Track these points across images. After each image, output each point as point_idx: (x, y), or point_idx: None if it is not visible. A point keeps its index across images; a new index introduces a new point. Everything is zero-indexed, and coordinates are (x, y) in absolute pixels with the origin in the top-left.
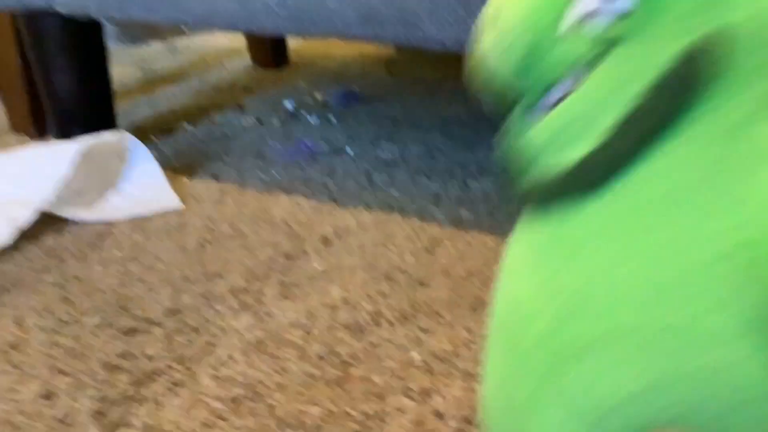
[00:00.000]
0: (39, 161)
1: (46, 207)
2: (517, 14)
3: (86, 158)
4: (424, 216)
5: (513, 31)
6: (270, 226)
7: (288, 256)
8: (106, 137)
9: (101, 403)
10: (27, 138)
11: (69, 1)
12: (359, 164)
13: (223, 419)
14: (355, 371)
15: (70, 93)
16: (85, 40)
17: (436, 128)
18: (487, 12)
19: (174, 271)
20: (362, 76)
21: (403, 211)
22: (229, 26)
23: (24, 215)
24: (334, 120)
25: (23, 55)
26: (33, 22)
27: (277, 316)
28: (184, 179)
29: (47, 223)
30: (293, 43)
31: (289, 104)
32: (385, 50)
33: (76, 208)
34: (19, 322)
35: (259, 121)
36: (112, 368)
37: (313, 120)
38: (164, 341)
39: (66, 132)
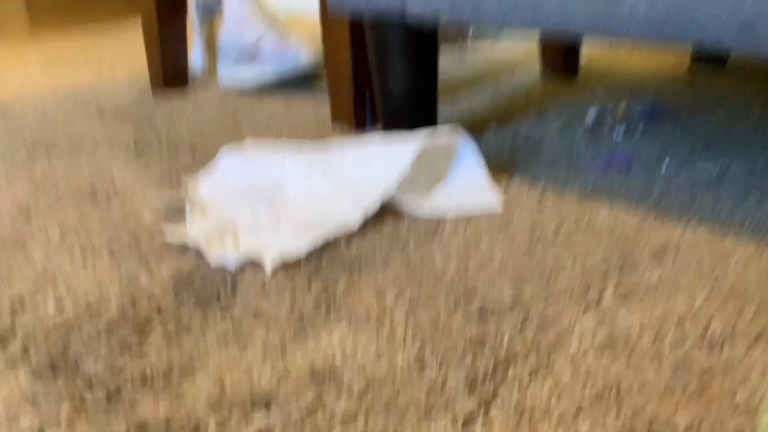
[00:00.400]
0: (384, 154)
1: (386, 195)
2: None
3: (419, 152)
4: (765, 237)
5: None
6: (596, 233)
7: (621, 265)
8: (440, 134)
9: (471, 377)
10: (347, 129)
11: (415, 6)
12: (678, 178)
13: (591, 412)
14: (716, 385)
15: (402, 91)
16: (422, 43)
17: (759, 147)
18: None
19: (510, 266)
20: (660, 88)
21: (737, 230)
22: (586, 30)
23: (370, 202)
24: (641, 132)
25: (354, 54)
26: (377, 26)
27: (623, 321)
28: (501, 180)
29: (386, 211)
30: (583, 52)
31: (591, 113)
32: (682, 63)
33: (410, 198)
34: (379, 297)
35: (563, 128)
36: (473, 347)
37: (619, 130)
38: (516, 329)
39: (394, 127)
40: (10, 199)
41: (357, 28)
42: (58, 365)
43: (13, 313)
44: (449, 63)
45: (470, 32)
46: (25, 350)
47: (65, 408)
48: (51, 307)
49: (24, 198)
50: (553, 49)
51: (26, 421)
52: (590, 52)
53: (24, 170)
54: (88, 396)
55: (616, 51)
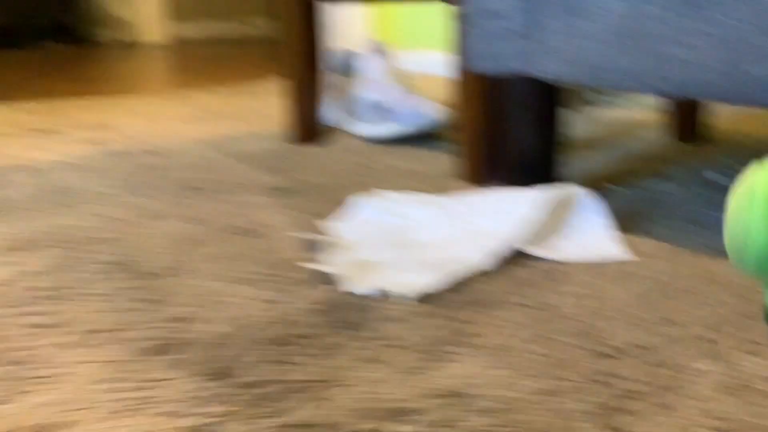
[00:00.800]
0: (511, 203)
1: (514, 242)
2: (749, 235)
3: (546, 204)
4: None
5: (745, 249)
6: (717, 285)
7: (745, 316)
8: (564, 188)
9: (593, 408)
10: (474, 185)
11: (547, 68)
12: None
13: None
14: None
15: (526, 147)
16: (545, 101)
17: None
18: (729, 210)
19: (632, 311)
20: None
21: None
22: (707, 96)
23: (497, 247)
24: None
25: (483, 113)
26: (502, 82)
27: (746, 368)
28: (625, 235)
29: (513, 253)
30: (707, 118)
31: (713, 175)
32: None
33: (535, 246)
34: (504, 334)
35: (684, 187)
36: (595, 381)
37: None
38: (637, 368)
39: (516, 182)
40: (165, 232)
41: (488, 87)
42: (214, 372)
43: (173, 327)
44: (571, 123)
45: (593, 94)
46: (185, 358)
47: (223, 408)
48: (206, 325)
49: (176, 232)
50: (678, 114)
51: (189, 420)
52: (715, 115)
53: (175, 207)
54: (244, 399)
55: (742, 115)
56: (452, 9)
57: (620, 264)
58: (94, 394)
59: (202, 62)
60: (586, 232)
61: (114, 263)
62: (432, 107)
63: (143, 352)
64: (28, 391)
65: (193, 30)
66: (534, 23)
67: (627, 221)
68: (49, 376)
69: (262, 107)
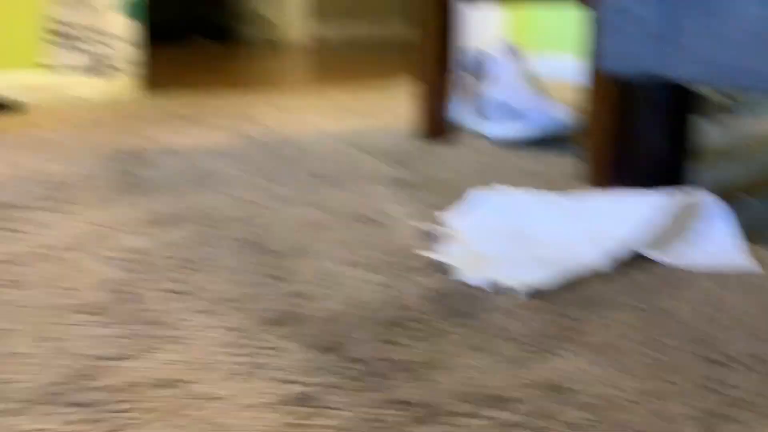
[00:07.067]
0: (633, 205)
1: (634, 245)
2: None
3: (670, 208)
4: None
5: None
6: None
7: None
8: (691, 194)
9: (698, 413)
10: (598, 188)
11: (681, 70)
12: None
13: None
14: None
15: (655, 152)
16: (678, 105)
17: None
18: None
19: (753, 324)
20: None
21: None
22: None
23: (615, 248)
24: None
25: (615, 115)
26: (634, 86)
27: None
28: (753, 246)
29: (632, 257)
30: None
31: None
32: None
33: (656, 250)
34: (613, 334)
35: None
36: (703, 387)
37: None
38: (749, 379)
39: (644, 186)
40: (293, 216)
41: (619, 89)
42: (325, 346)
43: (293, 302)
44: (706, 131)
45: (732, 103)
46: (300, 331)
47: (330, 380)
48: (322, 303)
49: (303, 216)
50: None
51: (297, 387)
52: None
53: (304, 194)
54: (350, 373)
55: None
56: (587, 11)
57: (744, 275)
58: (216, 356)
59: (339, 61)
60: (711, 240)
61: (244, 240)
62: (560, 110)
63: (263, 322)
64: (156, 349)
65: (333, 31)
66: (670, 25)
67: (757, 234)
68: (177, 337)
69: (393, 105)
